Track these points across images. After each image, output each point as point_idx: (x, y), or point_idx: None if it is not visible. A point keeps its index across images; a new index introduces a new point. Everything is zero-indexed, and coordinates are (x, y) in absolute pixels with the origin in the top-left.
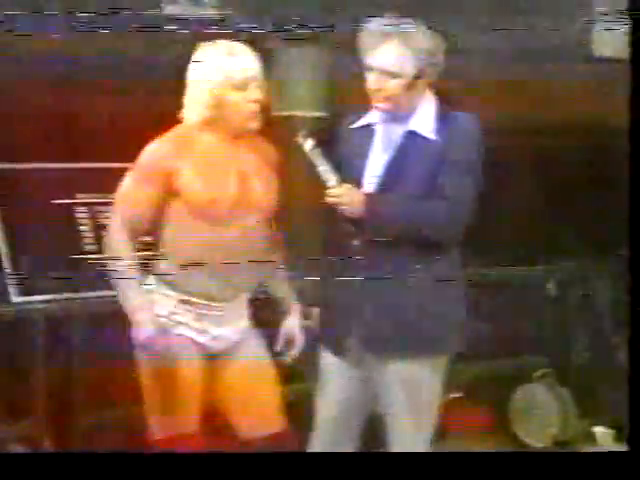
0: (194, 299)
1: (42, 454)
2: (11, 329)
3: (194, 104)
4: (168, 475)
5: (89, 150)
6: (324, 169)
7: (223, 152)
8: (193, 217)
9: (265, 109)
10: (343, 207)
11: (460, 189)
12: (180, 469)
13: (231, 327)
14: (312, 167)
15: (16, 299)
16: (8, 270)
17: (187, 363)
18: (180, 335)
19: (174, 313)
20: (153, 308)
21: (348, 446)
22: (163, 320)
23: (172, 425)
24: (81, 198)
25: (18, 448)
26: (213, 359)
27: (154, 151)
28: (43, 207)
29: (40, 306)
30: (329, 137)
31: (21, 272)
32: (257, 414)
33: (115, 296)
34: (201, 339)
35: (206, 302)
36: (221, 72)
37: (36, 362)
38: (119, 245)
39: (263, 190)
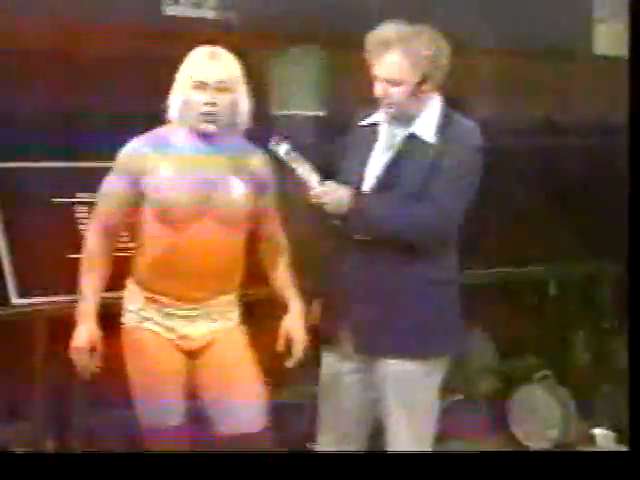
0: (158, 297)
1: (42, 454)
2: (11, 331)
3: (171, 104)
4: (168, 475)
5: None
6: (303, 171)
7: (195, 154)
8: (157, 219)
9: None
10: (327, 206)
11: (451, 194)
12: (180, 469)
13: (207, 326)
14: (291, 171)
15: (16, 301)
16: (8, 271)
17: (155, 356)
18: (147, 330)
19: (142, 309)
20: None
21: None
22: (132, 315)
23: (152, 416)
24: (82, 197)
25: (18, 448)
26: (189, 356)
27: (129, 150)
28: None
29: (41, 308)
30: (328, 136)
31: (21, 273)
32: (235, 413)
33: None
34: (169, 336)
35: (173, 302)
36: (185, 73)
37: (37, 363)
38: (91, 243)
39: (232, 194)
